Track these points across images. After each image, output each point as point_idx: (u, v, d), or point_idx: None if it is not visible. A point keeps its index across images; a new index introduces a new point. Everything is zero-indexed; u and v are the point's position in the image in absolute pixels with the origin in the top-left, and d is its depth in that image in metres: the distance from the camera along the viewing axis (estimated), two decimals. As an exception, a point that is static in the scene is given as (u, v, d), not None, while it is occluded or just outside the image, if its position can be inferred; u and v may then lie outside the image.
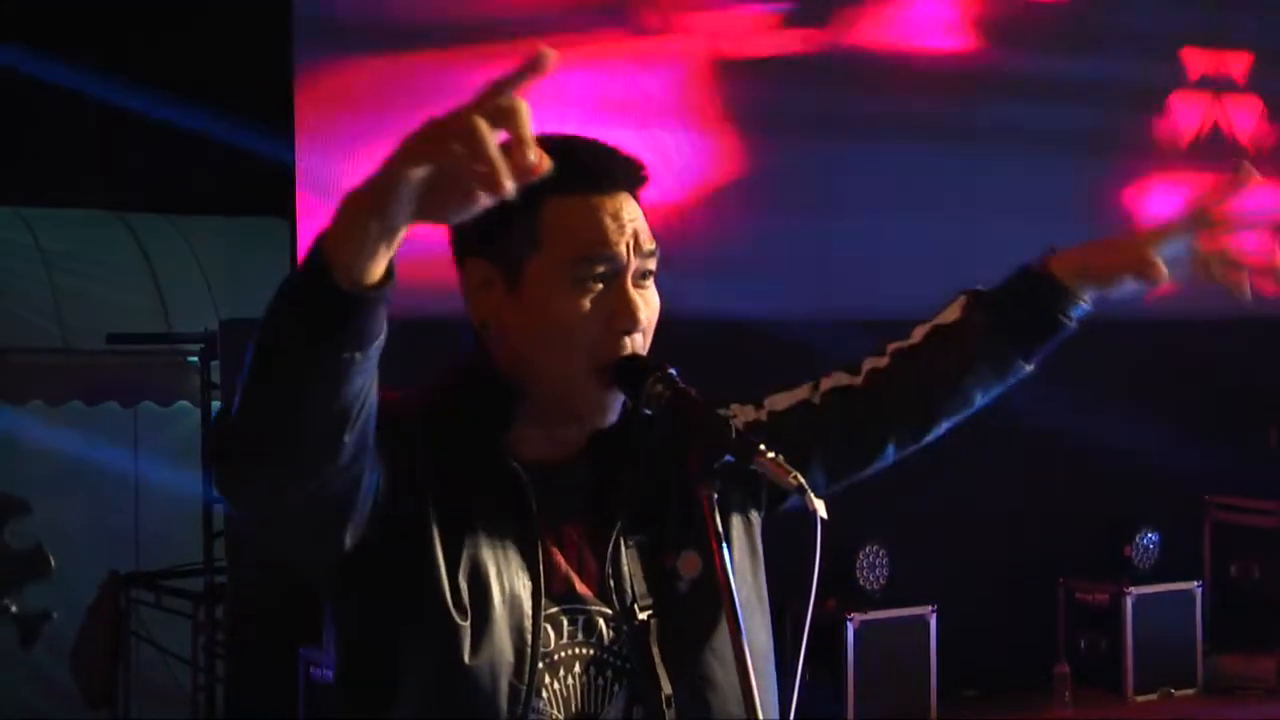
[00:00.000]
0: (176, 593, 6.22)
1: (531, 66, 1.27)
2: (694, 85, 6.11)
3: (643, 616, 1.73)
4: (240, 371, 1.43)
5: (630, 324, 1.69)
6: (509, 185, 1.26)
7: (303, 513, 1.55)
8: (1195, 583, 6.58)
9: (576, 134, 1.72)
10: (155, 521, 6.89)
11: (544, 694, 1.69)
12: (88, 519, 6.79)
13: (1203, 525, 7.06)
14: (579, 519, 1.75)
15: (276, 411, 1.42)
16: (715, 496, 1.60)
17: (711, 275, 5.47)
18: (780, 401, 1.92)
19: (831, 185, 6.34)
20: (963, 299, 1.95)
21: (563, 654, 1.71)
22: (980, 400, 1.95)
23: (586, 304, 1.68)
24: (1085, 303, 1.91)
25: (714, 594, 1.62)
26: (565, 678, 1.71)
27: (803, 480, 1.56)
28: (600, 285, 1.68)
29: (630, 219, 1.70)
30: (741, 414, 1.89)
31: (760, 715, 1.56)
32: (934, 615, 5.96)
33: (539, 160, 1.27)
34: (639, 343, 1.71)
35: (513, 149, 1.27)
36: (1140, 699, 6.36)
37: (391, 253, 1.37)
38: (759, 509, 1.86)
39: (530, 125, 1.28)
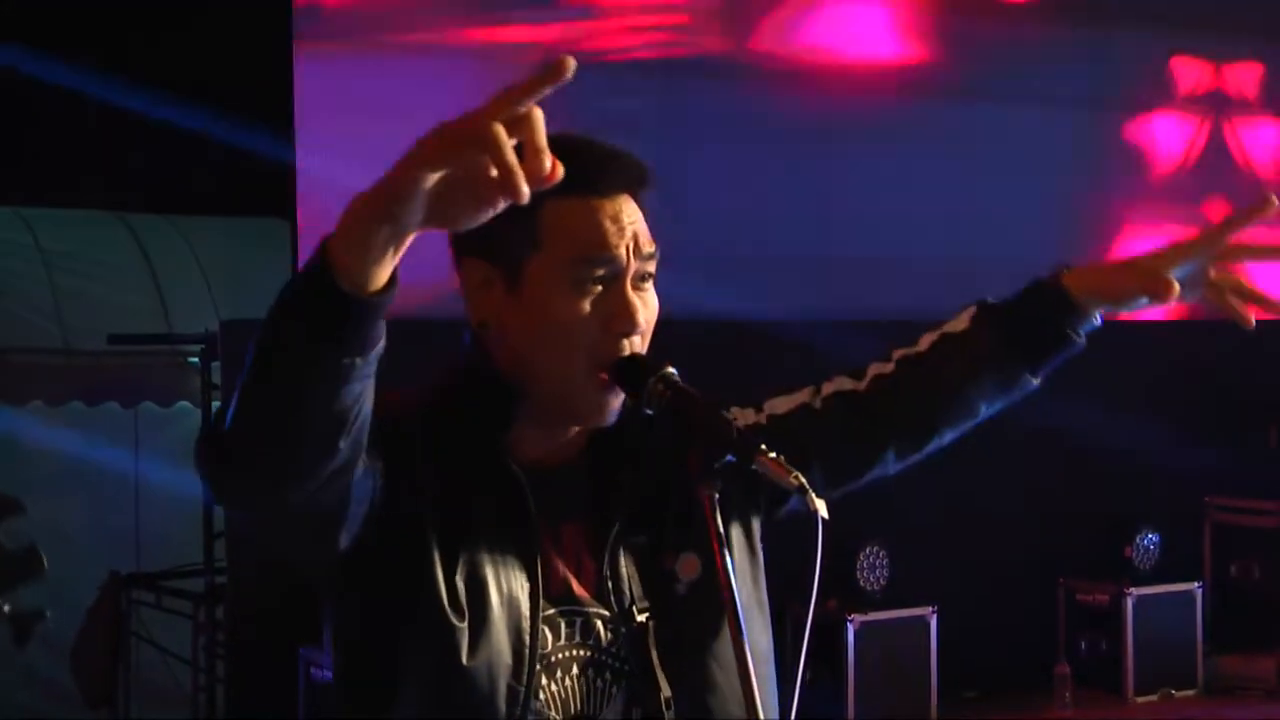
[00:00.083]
0: (177, 593, 6.21)
1: (550, 74, 1.25)
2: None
3: (641, 618, 1.73)
4: (240, 372, 1.43)
5: (629, 327, 1.68)
6: (525, 193, 1.25)
7: (296, 514, 1.55)
8: (1195, 583, 6.58)
9: (577, 134, 1.72)
10: (155, 522, 6.88)
11: (542, 695, 1.69)
12: (88, 519, 6.78)
13: (1203, 525, 7.06)
14: (578, 520, 1.75)
15: (274, 411, 1.42)
16: (716, 497, 1.59)
17: (712, 275, 5.47)
18: (780, 405, 1.92)
19: (832, 187, 6.34)
20: (972, 309, 1.94)
21: (561, 655, 1.71)
22: (984, 411, 1.94)
23: (585, 305, 1.68)
24: (1095, 320, 1.90)
25: (713, 596, 1.61)
26: (563, 679, 1.71)
27: (804, 480, 1.55)
28: (599, 287, 1.68)
29: (630, 221, 1.70)
30: (741, 417, 1.88)
31: (761, 717, 1.56)
32: (934, 616, 5.96)
33: (553, 168, 1.27)
34: (637, 345, 1.70)
35: (526, 156, 1.26)
36: (1140, 699, 6.37)
37: (398, 258, 1.36)
38: (758, 513, 1.86)
39: (544, 133, 1.27)
